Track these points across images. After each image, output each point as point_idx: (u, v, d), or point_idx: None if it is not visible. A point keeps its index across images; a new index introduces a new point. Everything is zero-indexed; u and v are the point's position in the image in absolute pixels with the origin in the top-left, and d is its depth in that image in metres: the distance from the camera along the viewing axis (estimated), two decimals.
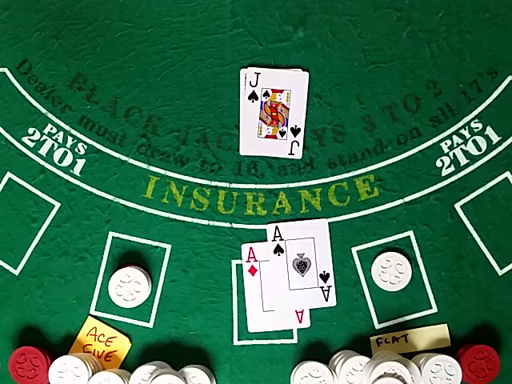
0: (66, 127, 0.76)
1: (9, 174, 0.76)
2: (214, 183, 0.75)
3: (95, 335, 0.75)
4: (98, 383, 0.71)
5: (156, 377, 0.70)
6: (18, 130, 0.76)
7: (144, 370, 0.72)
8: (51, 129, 0.76)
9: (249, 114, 0.75)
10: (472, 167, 0.75)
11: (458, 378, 0.71)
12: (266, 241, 0.75)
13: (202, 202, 0.75)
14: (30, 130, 0.76)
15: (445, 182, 0.75)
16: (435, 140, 0.75)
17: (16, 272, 0.75)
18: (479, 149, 0.75)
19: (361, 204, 0.75)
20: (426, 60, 0.75)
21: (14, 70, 0.76)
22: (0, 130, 0.76)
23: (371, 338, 0.75)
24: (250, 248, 0.75)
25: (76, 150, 0.76)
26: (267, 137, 0.75)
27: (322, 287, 0.74)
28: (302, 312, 0.74)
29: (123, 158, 0.75)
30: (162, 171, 0.75)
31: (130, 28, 0.75)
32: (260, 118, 0.75)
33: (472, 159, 0.75)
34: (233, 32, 0.75)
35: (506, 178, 0.75)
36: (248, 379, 0.75)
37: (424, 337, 0.74)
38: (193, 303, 0.75)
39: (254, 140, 0.75)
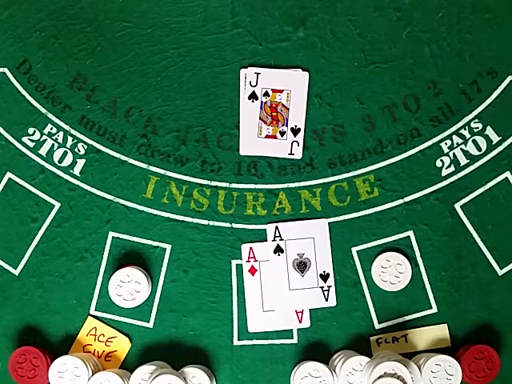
0: (66, 127, 0.76)
1: (9, 174, 0.76)
2: (214, 183, 0.75)
3: (95, 335, 0.75)
4: (98, 383, 0.71)
5: (156, 377, 0.70)
6: (17, 130, 0.76)
7: (144, 370, 0.72)
8: (51, 129, 0.76)
9: (249, 114, 0.75)
10: (472, 167, 0.75)
11: (457, 378, 0.71)
12: (266, 241, 0.75)
13: (202, 202, 0.75)
14: (30, 130, 0.76)
15: (445, 182, 0.75)
16: (435, 140, 0.75)
17: (16, 272, 0.75)
18: (479, 149, 0.75)
19: (361, 204, 0.75)
20: (426, 60, 0.75)
21: (14, 69, 0.76)
22: (0, 129, 0.76)
23: (371, 338, 0.75)
24: (250, 248, 0.75)
25: (76, 149, 0.76)
26: (267, 137, 0.75)
27: (322, 287, 0.74)
28: (301, 312, 0.74)
29: (123, 158, 0.75)
30: (162, 171, 0.75)
31: (130, 28, 0.75)
32: (260, 118, 0.75)
33: (472, 159, 0.75)
34: (233, 32, 0.75)
35: (506, 178, 0.75)
36: (248, 379, 0.75)
37: (424, 337, 0.74)
38: (193, 303, 0.75)
39: (254, 140, 0.75)
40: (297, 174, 0.75)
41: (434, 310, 0.75)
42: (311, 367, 0.72)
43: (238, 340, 0.75)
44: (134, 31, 0.75)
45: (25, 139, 0.76)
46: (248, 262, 0.75)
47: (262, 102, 0.75)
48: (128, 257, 0.75)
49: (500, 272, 0.75)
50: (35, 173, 0.76)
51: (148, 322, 0.75)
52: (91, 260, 0.75)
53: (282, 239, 0.75)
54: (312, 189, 0.75)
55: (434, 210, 0.75)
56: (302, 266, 0.74)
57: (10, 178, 0.76)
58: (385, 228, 0.75)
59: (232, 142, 0.75)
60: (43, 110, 0.76)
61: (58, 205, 0.75)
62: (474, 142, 0.75)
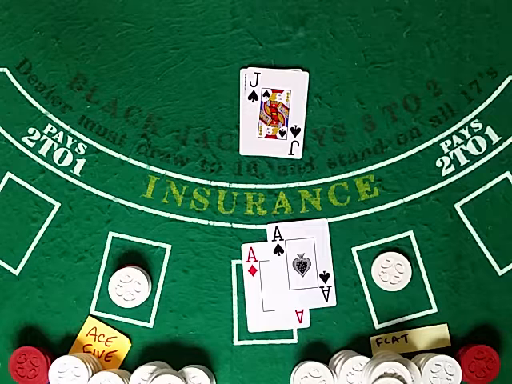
0: (66, 127, 0.76)
1: (9, 174, 0.76)
2: (214, 183, 0.75)
3: (95, 335, 0.75)
4: (98, 383, 0.71)
5: (156, 377, 0.70)
6: (17, 130, 0.76)
7: (144, 370, 0.72)
8: (51, 129, 0.76)
9: (249, 114, 0.75)
10: (472, 167, 0.75)
11: (457, 378, 0.71)
12: (266, 241, 0.75)
13: (202, 202, 0.75)
14: (30, 130, 0.76)
15: (445, 182, 0.75)
16: (435, 140, 0.75)
17: (16, 272, 0.75)
18: (479, 149, 0.75)
19: (361, 204, 0.75)
20: (425, 60, 0.75)
21: (14, 70, 0.76)
22: (0, 129, 0.76)
23: (371, 338, 0.75)
24: (250, 248, 0.75)
25: (76, 150, 0.76)
26: (267, 137, 0.75)
27: (322, 287, 0.74)
28: (301, 312, 0.74)
29: (123, 157, 0.75)
30: (162, 171, 0.75)
31: (130, 28, 0.75)
32: (260, 118, 0.75)
33: (472, 159, 0.75)
34: (233, 32, 0.75)
35: (506, 178, 0.75)
36: (248, 379, 0.75)
37: (424, 337, 0.74)
38: (193, 303, 0.75)
39: (254, 140, 0.75)
40: (297, 174, 0.75)
41: (434, 309, 0.75)
42: (311, 367, 0.72)
43: (238, 340, 0.75)
44: (134, 31, 0.75)
45: (25, 139, 0.76)
46: (248, 262, 0.75)
47: (261, 102, 0.75)
48: (128, 257, 0.75)
49: (500, 272, 0.75)
50: (35, 173, 0.76)
51: (148, 322, 0.75)
52: (91, 260, 0.75)
53: (282, 239, 0.75)
54: (312, 189, 0.75)
55: (434, 209, 0.75)
56: (301, 266, 0.74)
57: (9, 178, 0.76)
58: (385, 228, 0.75)
59: (232, 142, 0.75)
60: (43, 110, 0.76)
61: (58, 205, 0.75)
62: (474, 142, 0.75)
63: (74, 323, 0.75)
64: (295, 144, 0.75)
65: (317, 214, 0.75)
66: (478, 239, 0.75)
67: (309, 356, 0.74)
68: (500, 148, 0.75)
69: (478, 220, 0.75)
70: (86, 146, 0.76)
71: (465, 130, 0.75)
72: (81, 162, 0.75)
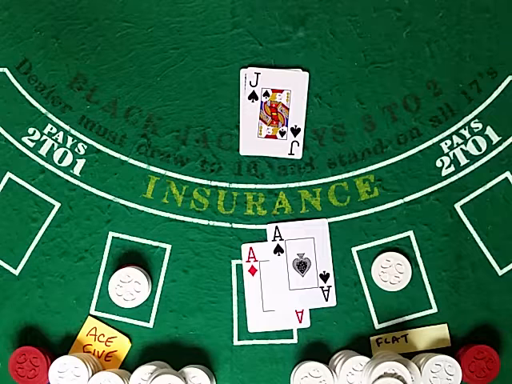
0: (66, 127, 0.76)
1: (9, 174, 0.76)
2: (214, 183, 0.75)
3: (95, 335, 0.75)
4: (98, 383, 0.71)
5: (156, 377, 0.70)
6: (17, 130, 0.76)
7: (144, 370, 0.72)
8: (51, 129, 0.76)
9: (249, 114, 0.75)
10: (472, 167, 0.75)
11: (458, 378, 0.71)
12: (266, 241, 0.75)
13: (202, 202, 0.75)
14: (30, 130, 0.76)
15: (445, 182, 0.75)
16: (435, 140, 0.75)
17: (16, 272, 0.75)
18: (479, 149, 0.75)
19: (361, 204, 0.75)
20: (425, 60, 0.75)
21: (14, 70, 0.76)
22: (0, 129, 0.76)
23: (371, 338, 0.75)
24: (250, 248, 0.75)
25: (76, 150, 0.76)
26: (267, 137, 0.75)
27: (322, 287, 0.74)
28: (301, 312, 0.74)
29: (123, 158, 0.75)
30: (162, 171, 0.75)
31: (130, 28, 0.75)
32: (260, 118, 0.75)
33: (472, 159, 0.75)
34: (233, 32, 0.75)
35: (506, 178, 0.75)
36: (248, 379, 0.75)
37: (424, 337, 0.74)
38: (193, 303, 0.75)
39: (254, 140, 0.75)
40: (297, 174, 0.75)
41: (434, 309, 0.75)
42: (311, 367, 0.72)
43: (238, 340, 0.75)
44: (134, 31, 0.75)
45: (25, 139, 0.76)
46: (248, 262, 0.75)
47: (261, 102, 0.75)
48: (128, 257, 0.75)
49: (500, 272, 0.75)
50: (35, 173, 0.76)
51: (148, 322, 0.75)
52: (91, 260, 0.75)
53: (282, 239, 0.75)
54: (312, 189, 0.75)
55: (434, 209, 0.75)
56: (302, 266, 0.74)
57: (9, 178, 0.76)
58: (385, 228, 0.75)
59: (232, 142, 0.75)
60: (43, 110, 0.76)
61: (58, 205, 0.75)
62: (474, 142, 0.75)
63: (74, 323, 0.75)
64: (295, 144, 0.75)
65: (317, 213, 0.75)
66: (478, 239, 0.75)
67: (309, 356, 0.74)
68: (500, 148, 0.75)
69: (478, 220, 0.75)
70: (86, 146, 0.76)
71: (465, 130, 0.75)
72: (81, 162, 0.75)
